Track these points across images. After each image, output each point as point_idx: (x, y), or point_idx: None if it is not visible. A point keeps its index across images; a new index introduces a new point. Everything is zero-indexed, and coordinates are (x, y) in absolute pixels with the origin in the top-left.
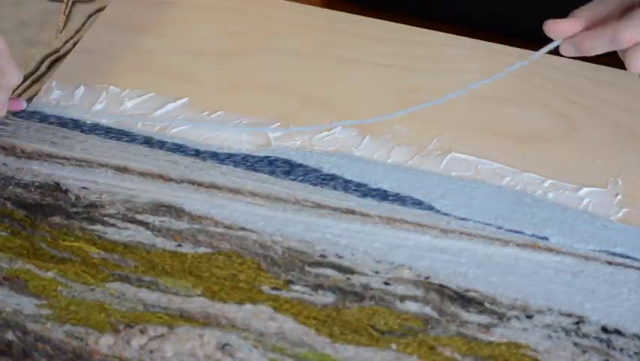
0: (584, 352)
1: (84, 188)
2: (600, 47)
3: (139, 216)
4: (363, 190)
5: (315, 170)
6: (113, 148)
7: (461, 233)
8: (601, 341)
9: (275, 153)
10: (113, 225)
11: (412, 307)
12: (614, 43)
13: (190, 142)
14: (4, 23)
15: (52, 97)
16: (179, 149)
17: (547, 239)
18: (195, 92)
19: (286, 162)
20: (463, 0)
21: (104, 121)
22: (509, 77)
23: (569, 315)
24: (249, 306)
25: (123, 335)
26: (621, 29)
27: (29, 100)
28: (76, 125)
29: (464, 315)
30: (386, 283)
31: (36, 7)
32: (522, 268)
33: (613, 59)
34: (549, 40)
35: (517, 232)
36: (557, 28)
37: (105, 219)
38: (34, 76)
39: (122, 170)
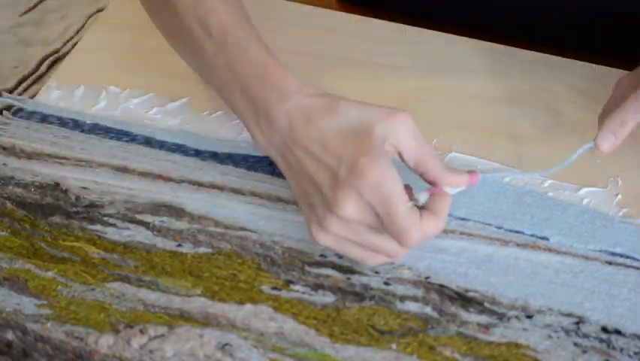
0: (584, 352)
1: (84, 188)
2: (632, 120)
3: (139, 216)
4: None
5: None
6: (113, 148)
7: (461, 233)
8: (601, 341)
9: None
10: (113, 225)
11: (412, 307)
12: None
13: (190, 142)
14: (1, 23)
15: (52, 97)
16: (179, 149)
17: (547, 239)
18: (195, 92)
19: None
20: (463, 0)
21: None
22: (509, 77)
23: (569, 315)
24: (249, 306)
25: (123, 335)
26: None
27: (32, 97)
28: (77, 125)
29: (464, 315)
30: (386, 283)
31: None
32: (522, 268)
33: (613, 60)
34: (547, 40)
35: (517, 232)
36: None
37: (105, 219)
38: (34, 76)
39: (122, 170)
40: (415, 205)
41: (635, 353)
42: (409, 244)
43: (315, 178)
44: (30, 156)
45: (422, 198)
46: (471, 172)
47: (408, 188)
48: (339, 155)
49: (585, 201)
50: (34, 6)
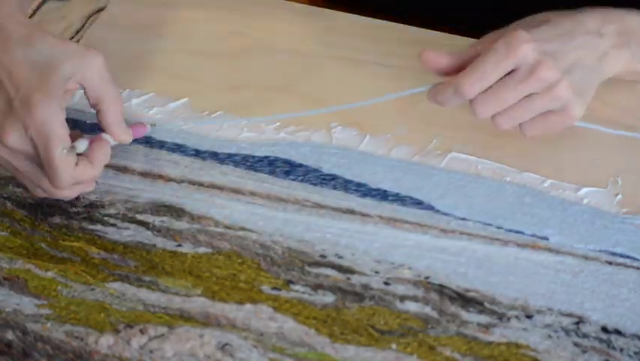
0: (584, 352)
1: None
2: (450, 100)
3: (139, 216)
4: (363, 190)
5: (315, 170)
6: (113, 148)
7: (461, 233)
8: (601, 341)
9: (275, 153)
10: (113, 225)
11: (412, 307)
12: (459, 96)
13: (190, 142)
14: None
15: None
16: (179, 149)
17: (547, 239)
18: (195, 92)
19: (286, 162)
20: (462, 0)
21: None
22: None
23: (569, 315)
24: (249, 306)
25: (123, 335)
26: (461, 82)
27: None
28: (77, 125)
29: (464, 315)
30: (386, 283)
31: (32, 7)
32: (522, 268)
33: None
34: None
35: (517, 232)
36: (426, 59)
37: (105, 219)
38: None
39: (122, 170)
40: (74, 151)
41: (635, 353)
42: (58, 185)
43: None
44: None
45: (81, 145)
46: (138, 125)
47: (76, 134)
48: (18, 86)
49: (585, 201)
50: (38, 8)
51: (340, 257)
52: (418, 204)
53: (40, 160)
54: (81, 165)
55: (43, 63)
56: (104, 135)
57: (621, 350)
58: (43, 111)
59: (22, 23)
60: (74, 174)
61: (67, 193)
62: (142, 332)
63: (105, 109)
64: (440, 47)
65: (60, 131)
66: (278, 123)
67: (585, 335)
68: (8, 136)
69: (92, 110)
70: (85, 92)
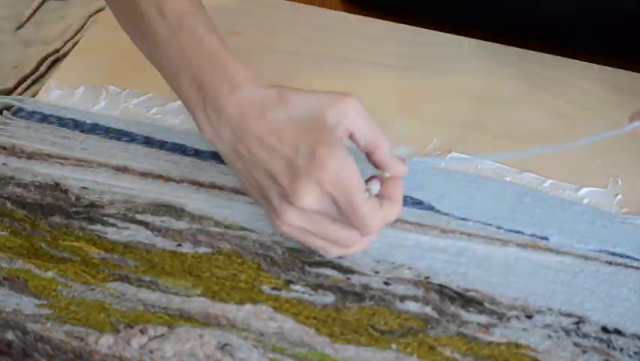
0: (584, 352)
1: (84, 188)
2: None
3: (139, 216)
4: None
5: None
6: (113, 148)
7: (461, 233)
8: (601, 341)
9: None
10: (113, 225)
11: (412, 307)
12: None
13: (190, 142)
14: (1, 24)
15: (52, 97)
16: (179, 149)
17: (547, 239)
18: None
19: None
20: (462, 0)
21: None
22: (509, 78)
23: (569, 315)
24: (248, 306)
25: (123, 335)
26: None
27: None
28: (77, 125)
29: (464, 315)
30: (386, 283)
31: (32, 7)
32: (522, 268)
33: (613, 59)
34: (547, 40)
35: (517, 232)
36: None
37: (105, 219)
38: (34, 76)
39: (122, 170)
40: (372, 193)
41: (635, 353)
42: (370, 232)
43: (271, 169)
44: (30, 156)
45: (376, 186)
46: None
47: None
48: (296, 145)
49: (585, 201)
50: (38, 8)
51: (340, 257)
52: (418, 204)
53: (338, 214)
54: (385, 204)
55: (308, 117)
56: (384, 173)
57: (621, 350)
58: (336, 162)
59: (262, 86)
60: (383, 216)
61: (364, 245)
62: (142, 332)
63: (378, 148)
64: (440, 46)
65: (357, 177)
66: None
67: (585, 335)
68: (304, 198)
69: (93, 110)
70: (351, 137)
